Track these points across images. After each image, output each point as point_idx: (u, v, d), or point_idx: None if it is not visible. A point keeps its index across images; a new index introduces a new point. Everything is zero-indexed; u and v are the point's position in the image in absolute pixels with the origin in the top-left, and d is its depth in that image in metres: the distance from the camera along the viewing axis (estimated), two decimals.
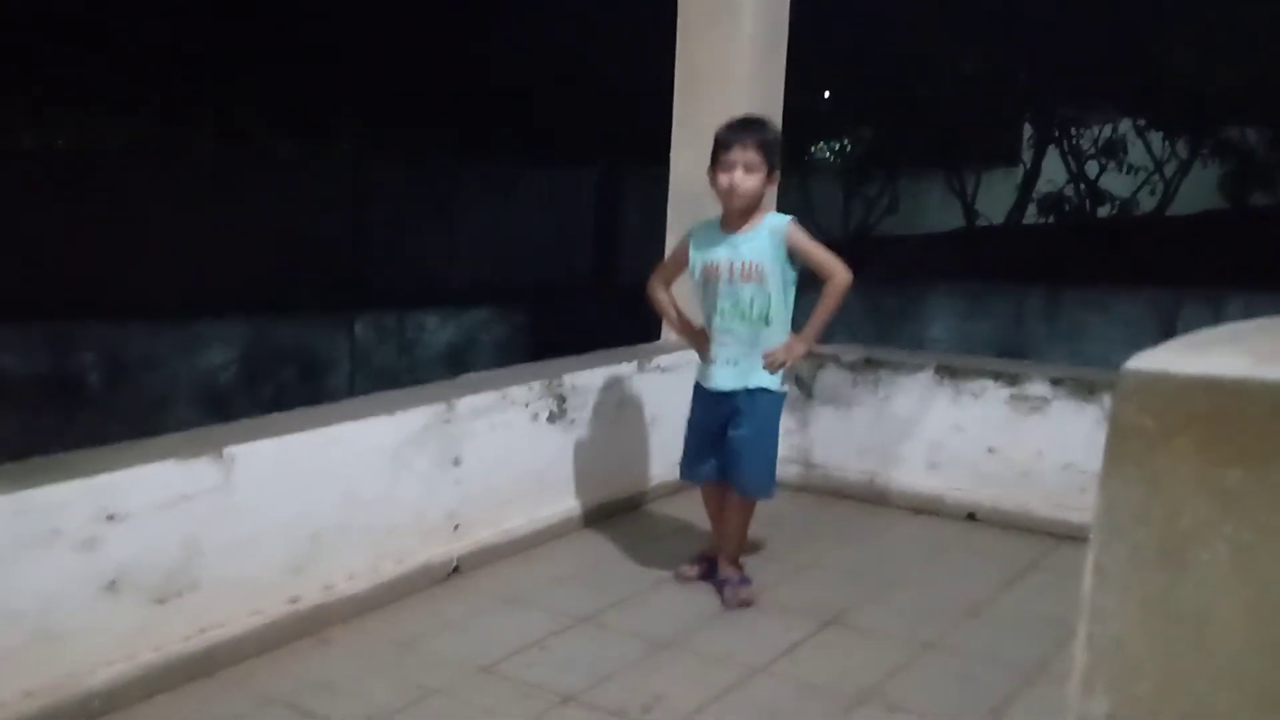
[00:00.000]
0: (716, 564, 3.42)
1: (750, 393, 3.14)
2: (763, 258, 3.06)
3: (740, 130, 3.10)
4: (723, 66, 4.35)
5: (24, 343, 6.96)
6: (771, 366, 3.12)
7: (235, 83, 9.21)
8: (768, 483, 3.25)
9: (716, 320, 3.15)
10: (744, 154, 3.04)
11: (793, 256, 3.09)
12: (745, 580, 3.27)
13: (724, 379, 3.16)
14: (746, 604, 3.19)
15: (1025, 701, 2.68)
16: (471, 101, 10.27)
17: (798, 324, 3.20)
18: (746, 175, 3.04)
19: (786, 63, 4.59)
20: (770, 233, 3.09)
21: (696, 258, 3.19)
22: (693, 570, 3.42)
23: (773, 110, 4.52)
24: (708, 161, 4.50)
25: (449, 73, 10.16)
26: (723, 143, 3.09)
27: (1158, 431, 0.94)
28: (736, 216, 3.12)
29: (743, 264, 3.08)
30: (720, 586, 3.25)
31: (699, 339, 3.30)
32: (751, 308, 3.09)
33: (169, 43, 8.93)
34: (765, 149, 3.07)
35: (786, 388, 3.24)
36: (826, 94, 12.85)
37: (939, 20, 10.86)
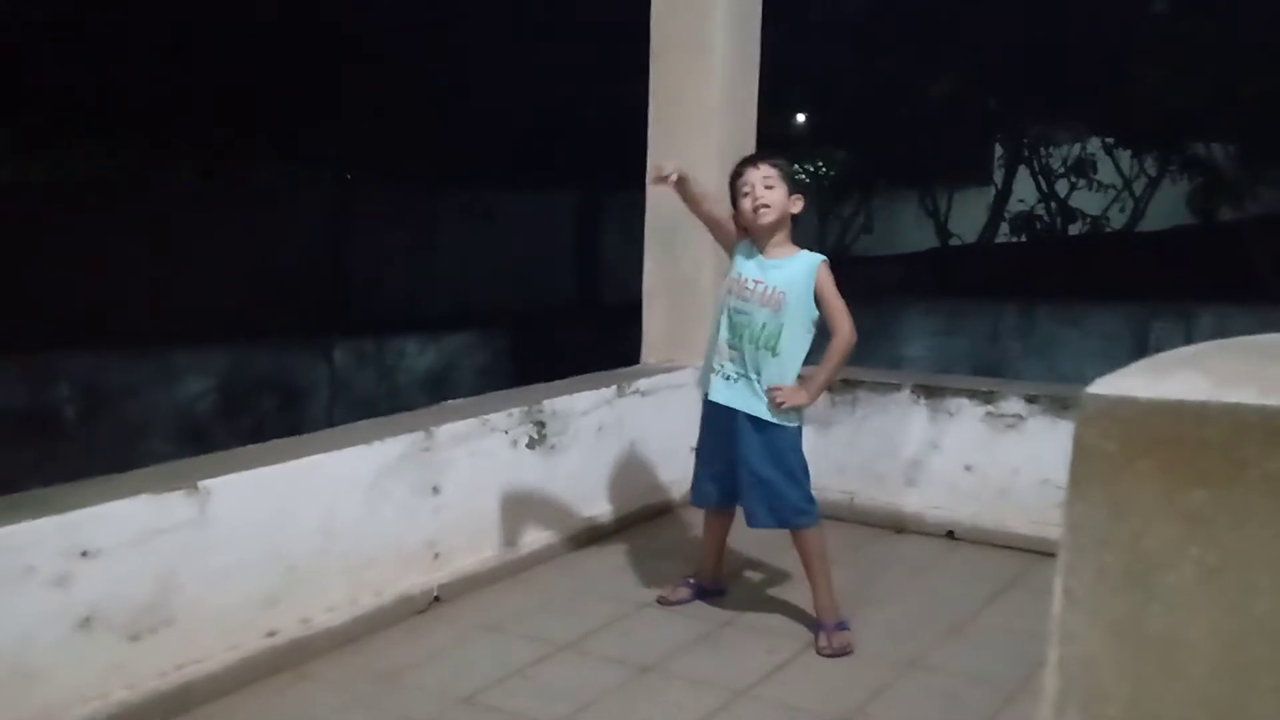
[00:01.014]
0: (702, 587, 3.41)
1: (757, 423, 3.10)
2: (789, 288, 3.06)
3: (750, 158, 3.19)
4: (695, 93, 4.39)
5: (0, 376, 6.89)
6: (772, 405, 3.08)
7: (214, 112, 9.19)
8: (809, 509, 3.16)
9: (726, 334, 3.13)
10: (759, 171, 3.08)
11: (815, 298, 3.09)
12: (842, 626, 3.13)
13: (720, 392, 3.14)
14: (843, 652, 3.06)
15: (1007, 719, 2.68)
16: (450, 128, 10.29)
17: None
18: (767, 190, 3.07)
19: (759, 87, 4.64)
20: (803, 267, 3.09)
21: (735, 267, 3.17)
22: (676, 594, 3.41)
23: (746, 135, 4.57)
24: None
25: (427, 100, 10.19)
26: (735, 174, 3.14)
27: (1121, 455, 0.95)
28: (768, 237, 3.11)
29: (768, 289, 3.07)
30: (816, 632, 3.14)
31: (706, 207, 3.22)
32: (762, 332, 3.07)
33: (146, 74, 8.91)
34: (780, 168, 3.11)
35: (799, 421, 3.17)
36: (800, 117, 12.97)
37: (910, 43, 11.01)
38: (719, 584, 3.47)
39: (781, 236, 3.13)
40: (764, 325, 3.08)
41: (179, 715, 2.59)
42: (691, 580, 3.44)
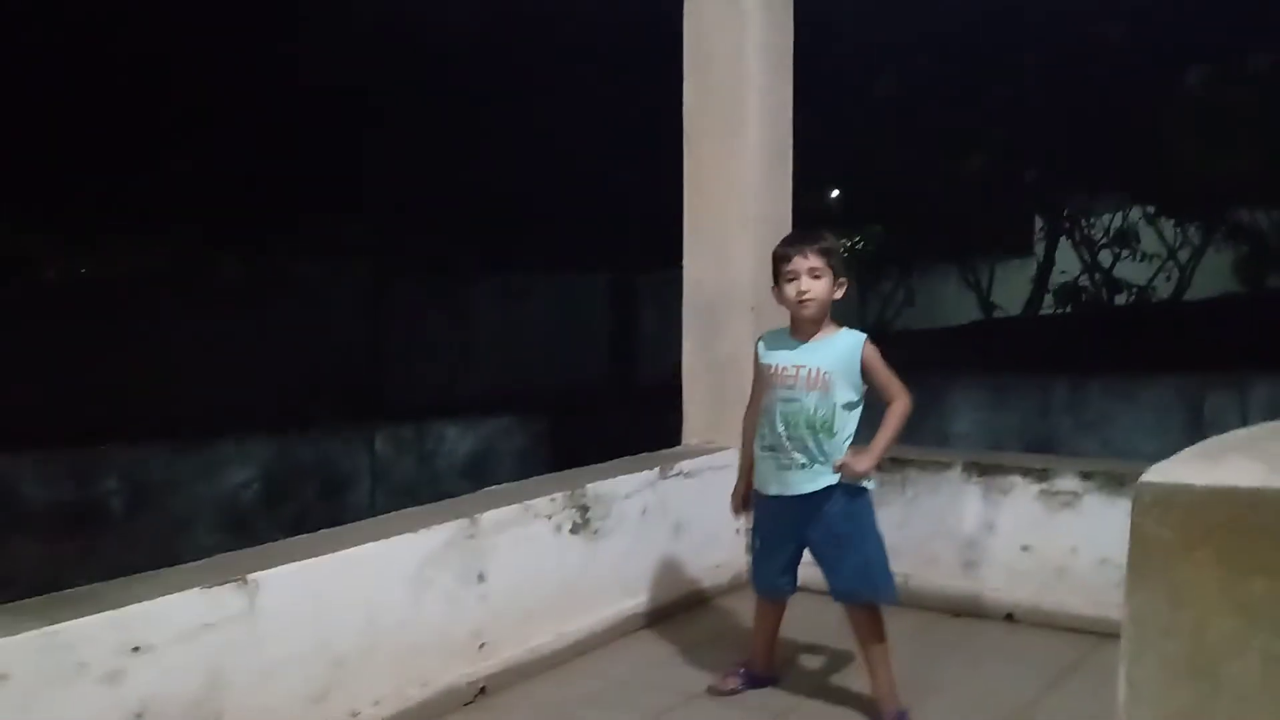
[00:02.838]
0: (754, 676, 3.34)
1: (832, 491, 3.06)
2: (833, 368, 3.04)
3: (798, 240, 3.14)
4: (730, 173, 4.44)
5: (46, 471, 7.03)
6: (845, 474, 3.05)
7: (253, 205, 9.46)
8: (887, 584, 3.13)
9: (782, 428, 3.08)
10: (806, 261, 3.05)
11: (863, 374, 3.07)
12: (902, 715, 3.06)
13: (788, 484, 3.09)
14: None
15: None
16: (486, 212, 10.49)
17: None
18: (813, 280, 3.04)
19: (794, 164, 4.68)
20: (846, 346, 3.08)
21: (764, 362, 3.17)
22: (729, 683, 3.33)
23: (782, 212, 4.60)
24: (719, 264, 4.61)
25: (463, 185, 10.42)
26: (781, 256, 3.11)
27: (1178, 543, 0.94)
28: (808, 325, 3.10)
29: (811, 372, 3.05)
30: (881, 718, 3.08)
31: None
32: (816, 415, 3.04)
33: (187, 169, 9.22)
34: (827, 255, 3.07)
35: (873, 484, 3.14)
36: (835, 193, 13.07)
37: (945, 117, 11.10)
38: (772, 672, 3.40)
39: (821, 323, 3.12)
40: (816, 409, 3.04)
41: None
42: (743, 669, 3.37)
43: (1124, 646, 0.98)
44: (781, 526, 3.17)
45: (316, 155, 9.74)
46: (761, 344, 3.24)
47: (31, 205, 8.65)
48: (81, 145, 8.75)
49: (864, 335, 3.12)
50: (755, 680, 3.35)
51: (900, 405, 3.05)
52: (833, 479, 3.05)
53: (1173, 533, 0.95)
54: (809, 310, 3.07)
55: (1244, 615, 0.89)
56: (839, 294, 3.11)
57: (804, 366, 3.07)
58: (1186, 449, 1.12)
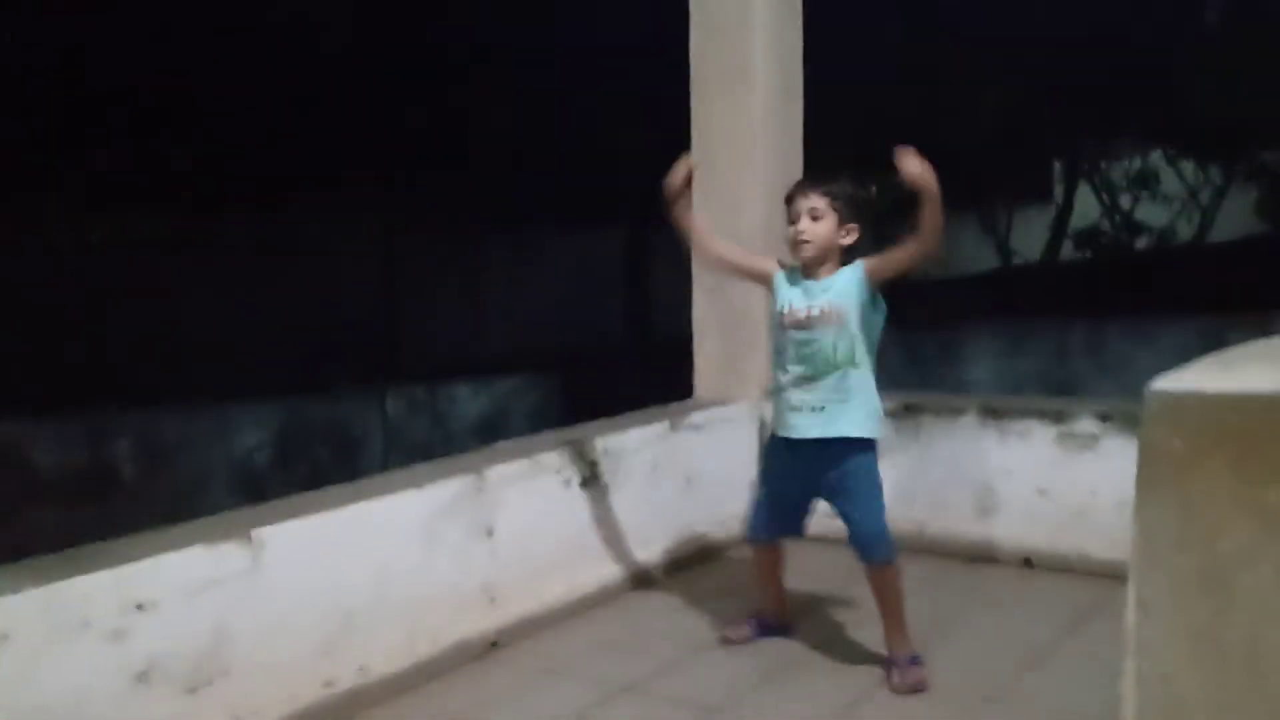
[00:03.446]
0: (766, 625, 3.31)
1: (845, 445, 2.99)
2: (845, 300, 2.97)
3: (803, 183, 3.08)
4: (738, 125, 4.35)
5: (60, 436, 7.08)
6: (910, 163, 2.80)
7: (262, 168, 9.41)
8: (890, 542, 3.07)
9: (800, 369, 3.00)
10: (806, 202, 2.98)
11: (877, 281, 2.97)
12: (915, 661, 3.01)
13: (810, 426, 3.00)
14: (917, 688, 2.94)
15: None
16: (495, 170, 10.40)
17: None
18: (813, 222, 2.97)
19: (805, 114, 4.59)
20: (850, 276, 2.99)
21: (779, 299, 3.07)
22: (740, 632, 3.31)
23: (792, 164, 4.51)
24: (729, 215, 4.53)
25: (472, 143, 10.32)
26: (786, 198, 3.06)
27: (1189, 453, 0.88)
28: (814, 266, 3.03)
29: (823, 308, 2.97)
30: (887, 668, 3.03)
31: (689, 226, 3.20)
32: (835, 352, 2.96)
33: (194, 134, 9.17)
34: (832, 197, 2.98)
35: (879, 434, 3.06)
36: (848, 144, 12.89)
37: (961, 62, 10.90)
38: (784, 621, 3.36)
39: (830, 266, 3.03)
40: (835, 345, 2.96)
41: None
42: (754, 619, 3.34)
43: (1133, 564, 0.92)
44: (791, 470, 3.11)
45: (323, 116, 9.66)
46: (778, 276, 3.11)
47: (40, 172, 8.64)
48: (87, 111, 8.72)
49: (860, 261, 3.02)
50: (767, 629, 3.32)
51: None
52: (848, 428, 2.98)
53: (1183, 442, 0.89)
54: (804, 253, 3.00)
55: (1258, 525, 0.84)
56: (847, 240, 3.00)
57: (814, 305, 2.99)
58: (1199, 360, 1.06)
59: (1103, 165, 12.88)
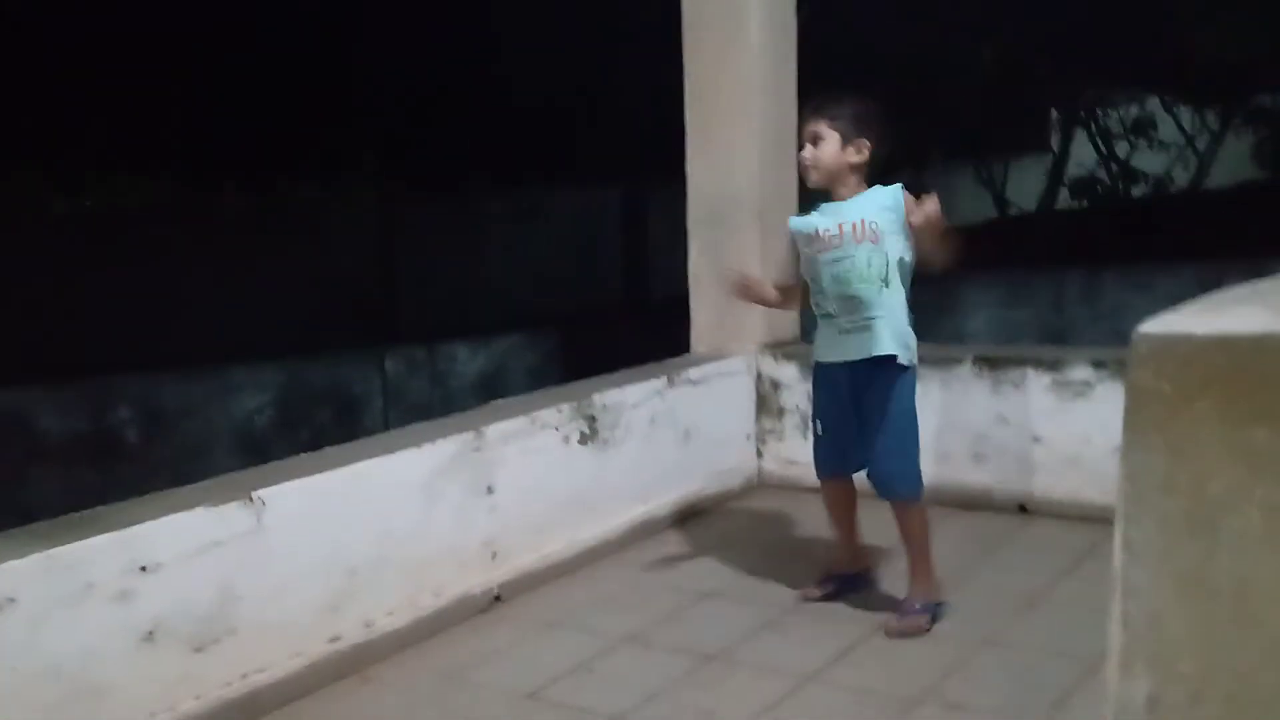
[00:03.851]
0: (843, 576, 3.24)
1: (879, 366, 2.94)
2: (878, 216, 2.92)
3: (803, 110, 3.09)
4: (731, 77, 4.32)
5: (61, 402, 7.09)
6: (921, 212, 2.82)
7: (255, 133, 9.34)
8: (914, 478, 3.04)
9: (833, 288, 2.96)
10: (808, 127, 2.99)
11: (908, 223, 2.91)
12: (924, 609, 2.98)
13: (848, 348, 2.97)
14: (907, 633, 2.94)
15: (1087, 692, 2.58)
16: (490, 129, 10.32)
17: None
18: (814, 147, 2.97)
19: (801, 65, 4.55)
20: (886, 194, 2.95)
21: (800, 231, 3.04)
22: (818, 591, 3.22)
23: (787, 115, 4.48)
24: (724, 171, 4.51)
25: (466, 102, 10.22)
26: (799, 129, 3.09)
27: (1177, 395, 0.89)
28: (835, 189, 2.99)
29: (855, 224, 2.92)
30: (898, 609, 3.04)
31: (780, 295, 3.23)
32: (869, 269, 2.91)
33: (187, 100, 9.09)
34: (831, 118, 2.96)
35: (915, 359, 3.02)
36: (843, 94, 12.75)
37: (954, 11, 10.77)
38: (858, 569, 3.27)
39: (850, 185, 2.98)
40: (869, 261, 2.91)
41: None
42: (830, 575, 3.25)
43: (1120, 508, 0.94)
44: (841, 397, 3.05)
45: (314, 78, 9.56)
46: (793, 220, 3.12)
47: (34, 140, 8.57)
48: (81, 80, 8.64)
49: (899, 185, 2.98)
50: (846, 581, 3.23)
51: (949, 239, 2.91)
52: (881, 347, 2.92)
53: (1171, 385, 0.90)
54: (812, 178, 3.01)
55: (1245, 466, 0.85)
56: (857, 157, 2.97)
57: (845, 221, 2.94)
58: (1187, 303, 1.07)
59: (1100, 113, 12.77)
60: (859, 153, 2.97)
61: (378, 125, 10.21)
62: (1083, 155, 12.88)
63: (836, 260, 2.95)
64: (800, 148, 3.03)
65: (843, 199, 2.99)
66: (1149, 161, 12.75)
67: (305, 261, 8.84)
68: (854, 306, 2.95)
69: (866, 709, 2.59)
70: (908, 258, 2.96)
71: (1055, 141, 13.22)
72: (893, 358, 2.94)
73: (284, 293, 8.52)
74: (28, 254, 7.73)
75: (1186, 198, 12.16)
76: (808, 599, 3.22)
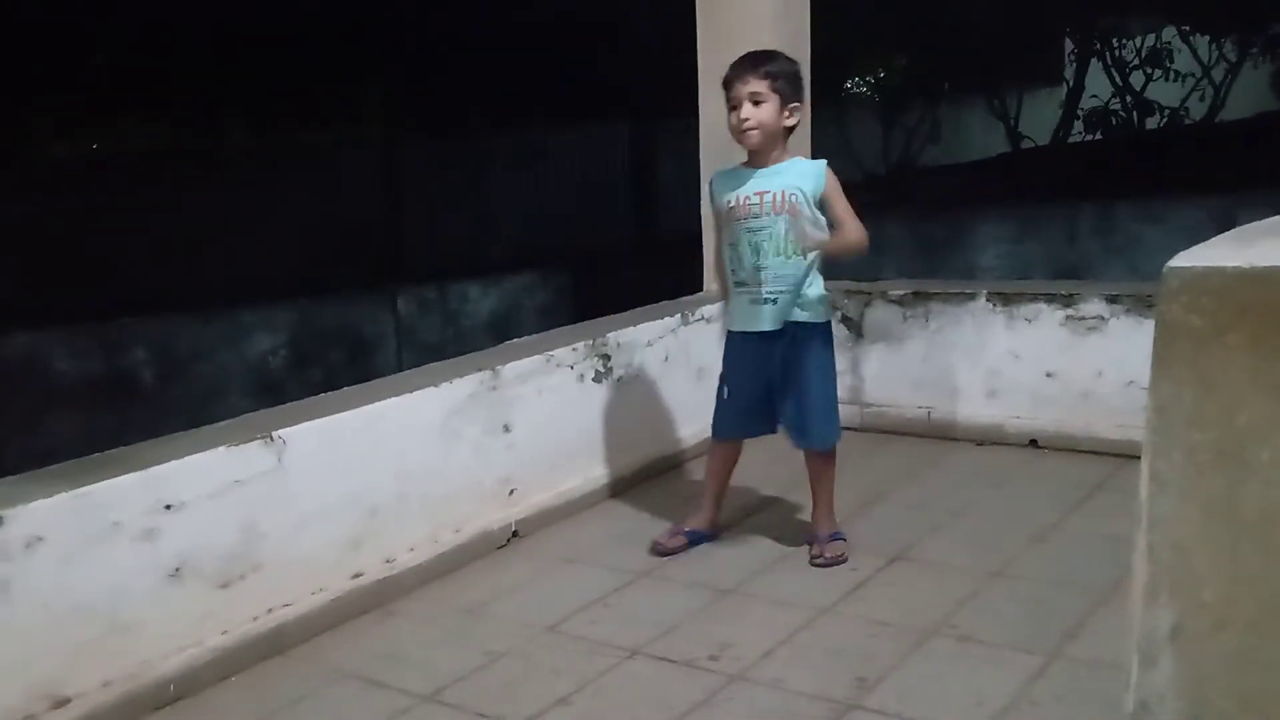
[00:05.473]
0: (698, 533, 3.25)
1: (798, 328, 2.99)
2: (800, 188, 2.93)
3: (740, 66, 2.97)
4: (744, 10, 4.25)
5: (76, 345, 7.13)
6: (800, 238, 2.91)
7: (259, 76, 9.24)
8: (837, 429, 3.12)
9: (751, 259, 2.98)
10: (746, 87, 2.91)
11: (822, 204, 2.95)
12: (836, 536, 3.12)
13: (766, 319, 3.01)
14: (837, 561, 3.05)
15: (1098, 621, 2.62)
16: (495, 68, 10.19)
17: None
18: (755, 108, 2.91)
19: None
20: (810, 168, 2.97)
21: (722, 199, 3.04)
22: (672, 542, 3.21)
23: (800, 49, 4.41)
24: None
25: (470, 42, 10.08)
26: (725, 83, 2.98)
27: (1207, 329, 0.89)
28: (761, 154, 2.99)
29: (776, 196, 2.93)
30: (809, 543, 3.13)
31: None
32: (786, 240, 2.94)
33: (190, 43, 8.98)
34: (772, 78, 2.91)
35: (830, 316, 3.09)
36: (857, 23, 12.55)
37: None
38: (717, 527, 3.31)
39: (778, 151, 2.98)
40: (786, 232, 2.93)
41: (273, 656, 2.67)
42: (685, 530, 3.25)
43: (1147, 439, 0.94)
44: (751, 367, 3.08)
45: (318, 19, 9.42)
46: (713, 183, 3.10)
47: (37, 83, 8.50)
48: (83, 21, 8.53)
49: (823, 161, 3.00)
50: (700, 538, 3.25)
51: (855, 236, 2.95)
52: (804, 314, 2.99)
53: (1201, 319, 0.90)
54: (751, 140, 2.94)
55: (1275, 398, 0.85)
56: (791, 120, 2.96)
57: (768, 192, 2.95)
58: (1217, 236, 1.07)
59: (1115, 43, 12.52)
60: (791, 116, 2.95)
61: (384, 65, 10.08)
62: (1097, 87, 12.66)
63: (756, 230, 2.96)
64: (734, 105, 2.94)
65: (767, 165, 2.97)
66: (1165, 93, 12.53)
67: (313, 203, 8.81)
68: (767, 279, 2.97)
69: (880, 641, 2.63)
70: (823, 227, 2.97)
71: (1069, 73, 12.99)
72: (814, 322, 3.01)
73: (293, 235, 8.51)
74: (33, 197, 7.72)
75: (1202, 129, 11.96)
76: (659, 553, 3.18)
